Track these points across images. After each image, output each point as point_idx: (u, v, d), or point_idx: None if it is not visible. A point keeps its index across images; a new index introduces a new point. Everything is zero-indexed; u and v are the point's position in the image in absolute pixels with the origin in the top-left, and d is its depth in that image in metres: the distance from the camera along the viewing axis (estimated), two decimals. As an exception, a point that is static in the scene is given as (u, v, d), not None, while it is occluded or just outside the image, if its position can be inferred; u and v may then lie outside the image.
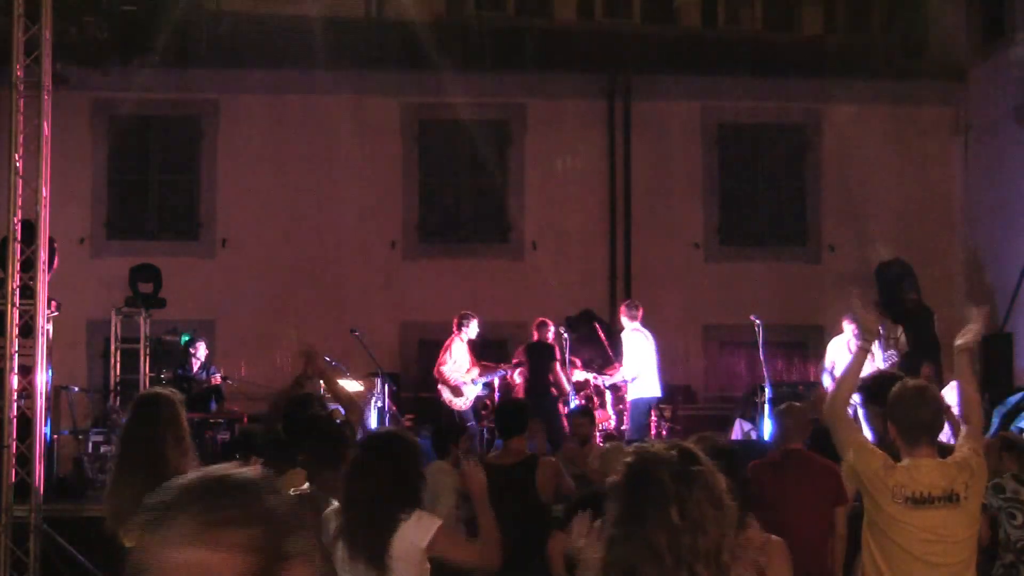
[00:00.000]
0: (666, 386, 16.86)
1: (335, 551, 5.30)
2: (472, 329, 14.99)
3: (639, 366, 14.66)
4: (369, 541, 5.25)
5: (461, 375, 14.89)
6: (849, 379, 5.84)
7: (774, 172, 20.21)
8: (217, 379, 15.69)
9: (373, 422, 14.19)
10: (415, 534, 5.29)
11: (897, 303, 16.00)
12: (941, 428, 5.59)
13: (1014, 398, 13.85)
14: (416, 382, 18.49)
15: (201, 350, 15.80)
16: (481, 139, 19.58)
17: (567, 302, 17.82)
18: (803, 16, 20.29)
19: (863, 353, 5.81)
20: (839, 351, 14.28)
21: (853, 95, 19.24)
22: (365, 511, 5.30)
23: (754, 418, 15.54)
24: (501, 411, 8.22)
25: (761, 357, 14.80)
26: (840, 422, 5.69)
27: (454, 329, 15.04)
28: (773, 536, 5.13)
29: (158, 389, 6.30)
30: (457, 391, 14.85)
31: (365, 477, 5.35)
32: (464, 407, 14.88)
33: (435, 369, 15.04)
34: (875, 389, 6.36)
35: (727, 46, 19.71)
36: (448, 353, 14.95)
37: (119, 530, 5.72)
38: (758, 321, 14.74)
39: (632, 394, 14.82)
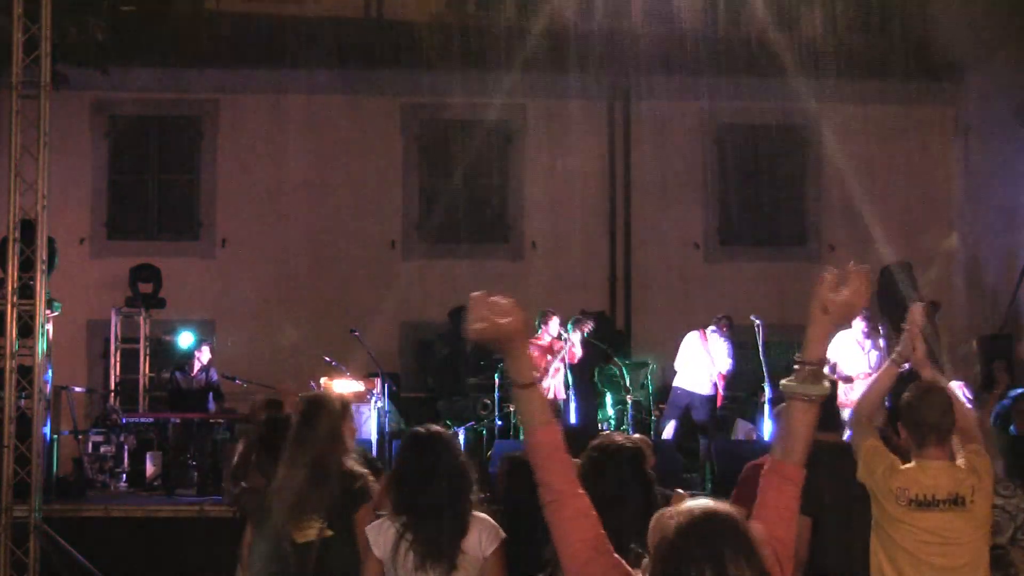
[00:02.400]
0: (666, 386, 16.95)
1: (398, 560, 5.28)
2: (551, 328, 14.93)
3: (681, 361, 15.45)
4: (442, 547, 5.24)
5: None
6: (877, 390, 5.90)
7: (774, 172, 20.19)
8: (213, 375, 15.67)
9: (373, 423, 14.13)
10: (479, 540, 5.29)
11: (897, 307, 15.97)
12: (950, 429, 5.55)
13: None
14: (415, 382, 18.49)
15: (206, 353, 15.79)
16: (481, 139, 19.55)
17: (567, 303, 17.64)
18: (802, 17, 20.23)
19: (894, 368, 5.84)
20: (844, 347, 14.10)
21: (853, 95, 19.14)
22: (433, 515, 5.29)
23: (754, 418, 15.55)
24: None
25: (761, 357, 14.76)
26: (858, 429, 5.76)
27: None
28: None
29: (321, 392, 6.67)
30: None
31: (429, 481, 5.34)
32: None
33: None
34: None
35: (727, 46, 19.39)
36: None
37: (291, 527, 5.88)
38: (758, 321, 14.75)
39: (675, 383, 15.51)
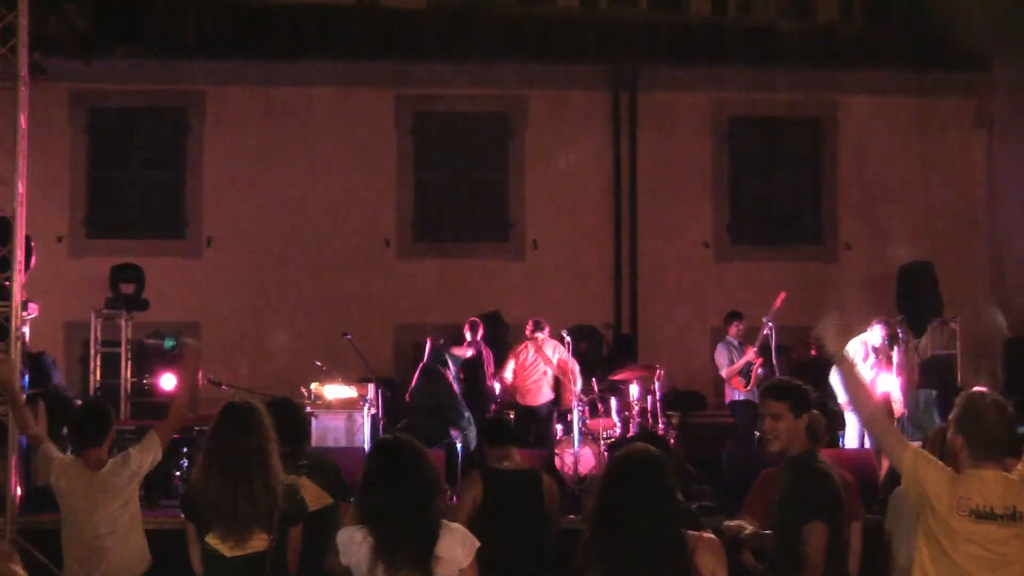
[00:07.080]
0: (675, 392, 17.10)
1: (375, 570, 5.28)
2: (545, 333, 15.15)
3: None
4: (414, 554, 5.26)
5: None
6: (860, 397, 5.78)
7: (788, 167, 20.08)
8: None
9: (366, 430, 13.91)
10: (455, 548, 5.34)
11: (916, 312, 15.84)
12: (1010, 444, 5.48)
13: None
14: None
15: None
16: (480, 132, 19.65)
17: (570, 304, 17.93)
18: (818, 3, 20.37)
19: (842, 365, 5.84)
20: (856, 351, 13.92)
21: (871, 86, 19.26)
22: (405, 524, 5.29)
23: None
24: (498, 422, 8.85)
25: (774, 361, 14.66)
26: (884, 435, 5.73)
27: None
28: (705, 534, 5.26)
29: (250, 400, 6.46)
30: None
31: (395, 489, 5.34)
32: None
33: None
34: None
35: (738, 35, 19.66)
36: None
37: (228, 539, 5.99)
38: (770, 324, 14.56)
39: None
